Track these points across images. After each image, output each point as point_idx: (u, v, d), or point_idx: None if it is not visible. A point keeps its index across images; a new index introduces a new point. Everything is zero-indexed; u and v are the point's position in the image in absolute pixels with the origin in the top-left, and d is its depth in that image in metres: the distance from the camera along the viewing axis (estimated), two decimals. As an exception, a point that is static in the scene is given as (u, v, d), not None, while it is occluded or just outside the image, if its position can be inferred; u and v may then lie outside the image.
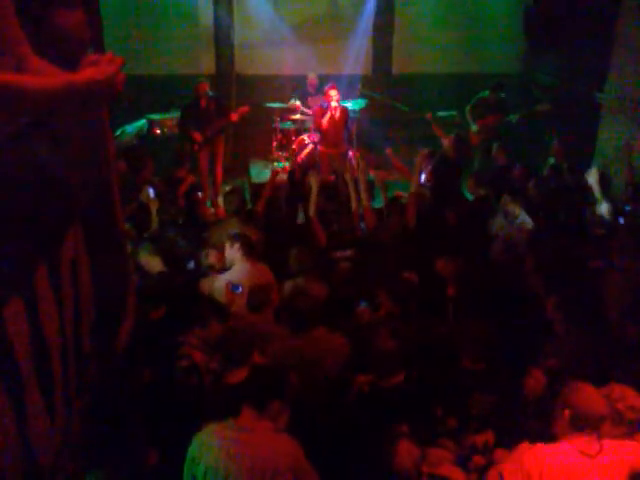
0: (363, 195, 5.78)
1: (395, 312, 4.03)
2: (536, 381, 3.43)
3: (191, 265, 5.27)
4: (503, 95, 8.35)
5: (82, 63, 2.15)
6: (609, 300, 4.25)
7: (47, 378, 2.25)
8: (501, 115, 8.25)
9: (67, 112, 2.38)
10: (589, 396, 2.78)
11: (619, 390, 2.94)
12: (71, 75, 2.07)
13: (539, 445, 2.74)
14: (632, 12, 7.22)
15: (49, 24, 2.57)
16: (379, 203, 6.31)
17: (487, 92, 8.34)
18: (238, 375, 3.29)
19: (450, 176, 6.65)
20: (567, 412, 2.75)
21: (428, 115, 8.04)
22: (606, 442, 2.71)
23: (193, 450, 2.79)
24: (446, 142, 7.36)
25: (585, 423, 2.70)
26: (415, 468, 2.91)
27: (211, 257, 4.98)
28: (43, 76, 2.09)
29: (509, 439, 2.93)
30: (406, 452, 2.89)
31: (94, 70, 2.09)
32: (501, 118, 8.24)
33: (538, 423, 3.05)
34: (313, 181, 5.78)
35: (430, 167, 6.80)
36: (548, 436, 2.87)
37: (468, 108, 8.43)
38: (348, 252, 5.25)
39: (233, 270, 4.75)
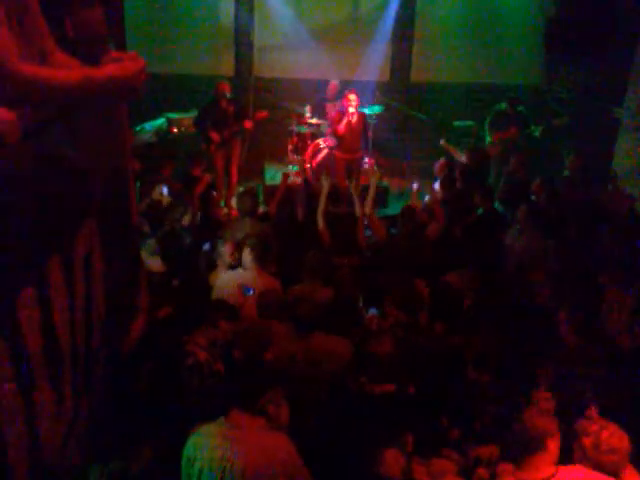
0: (369, 203, 5.77)
1: (402, 321, 4.01)
2: (546, 401, 3.39)
3: (206, 247, 5.28)
4: (521, 108, 8.32)
5: (104, 59, 2.18)
6: (607, 315, 4.23)
7: (57, 370, 2.27)
8: (520, 128, 8.20)
9: (87, 106, 2.41)
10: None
11: (595, 429, 2.82)
12: (92, 69, 2.10)
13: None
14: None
15: (71, 20, 2.61)
16: (394, 210, 6.29)
17: (504, 105, 8.31)
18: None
19: (466, 188, 6.62)
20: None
21: (442, 142, 7.99)
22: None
23: (188, 450, 2.80)
24: (462, 158, 7.40)
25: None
26: (402, 476, 2.89)
27: (226, 247, 4.99)
28: (65, 69, 2.12)
29: (514, 452, 2.91)
30: (393, 460, 2.87)
31: (116, 66, 2.12)
32: (520, 131, 8.19)
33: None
34: (324, 185, 5.78)
35: (446, 178, 6.78)
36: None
37: (488, 121, 8.37)
38: (352, 259, 5.25)
39: (241, 273, 4.77)
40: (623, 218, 6.10)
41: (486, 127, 8.37)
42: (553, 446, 2.75)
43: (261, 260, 4.71)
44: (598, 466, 2.74)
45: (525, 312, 4.27)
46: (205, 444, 2.75)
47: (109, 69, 2.10)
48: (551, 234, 5.55)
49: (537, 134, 8.22)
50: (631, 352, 3.87)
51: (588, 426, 2.84)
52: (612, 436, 2.76)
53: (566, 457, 2.86)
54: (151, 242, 5.14)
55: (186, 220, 5.75)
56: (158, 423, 3.11)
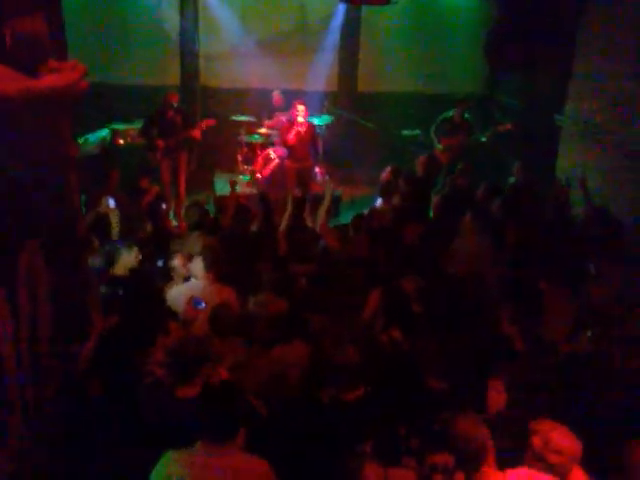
0: (322, 213, 5.79)
1: (360, 329, 4.01)
2: (497, 393, 3.45)
3: (160, 264, 5.19)
4: (467, 116, 8.52)
5: (44, 69, 2.10)
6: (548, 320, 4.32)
7: (2, 395, 2.16)
8: (466, 135, 8.40)
9: (27, 118, 2.32)
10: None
11: (545, 429, 2.86)
12: (31, 81, 2.02)
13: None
14: (590, 37, 7.46)
15: (9, 30, 2.51)
16: (345, 219, 6.33)
17: (452, 112, 8.49)
18: (189, 391, 3.20)
19: (417, 195, 6.72)
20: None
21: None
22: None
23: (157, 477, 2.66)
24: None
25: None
26: None
27: (177, 260, 4.91)
28: (2, 81, 2.03)
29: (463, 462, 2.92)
30: (374, 475, 2.85)
31: (56, 77, 2.05)
32: (466, 138, 8.39)
33: (502, 440, 3.06)
34: (290, 199, 5.80)
35: (384, 186, 6.88)
36: (512, 453, 2.89)
37: (433, 127, 8.57)
38: (308, 267, 5.24)
39: (193, 284, 4.69)
40: (565, 223, 6.29)
41: (432, 134, 8.55)
42: (491, 453, 2.77)
43: (213, 269, 4.64)
44: (545, 466, 2.77)
45: (475, 317, 4.32)
46: (174, 475, 2.64)
47: (48, 79, 2.03)
48: (496, 240, 5.67)
49: (484, 140, 8.42)
50: (569, 358, 3.93)
51: (538, 425, 2.87)
52: (561, 437, 2.79)
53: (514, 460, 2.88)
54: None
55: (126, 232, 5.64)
56: (117, 450, 2.97)
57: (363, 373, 3.34)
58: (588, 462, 2.86)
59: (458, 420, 2.78)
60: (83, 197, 5.85)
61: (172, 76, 9.79)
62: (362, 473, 2.83)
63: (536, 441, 2.83)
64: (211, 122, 8.07)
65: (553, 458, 2.75)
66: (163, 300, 4.34)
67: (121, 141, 8.69)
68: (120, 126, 8.78)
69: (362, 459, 2.88)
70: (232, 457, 2.70)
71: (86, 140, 8.27)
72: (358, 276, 4.79)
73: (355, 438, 3.04)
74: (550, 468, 2.76)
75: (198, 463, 2.65)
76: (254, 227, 5.90)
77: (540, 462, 2.78)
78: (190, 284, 4.73)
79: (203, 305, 4.29)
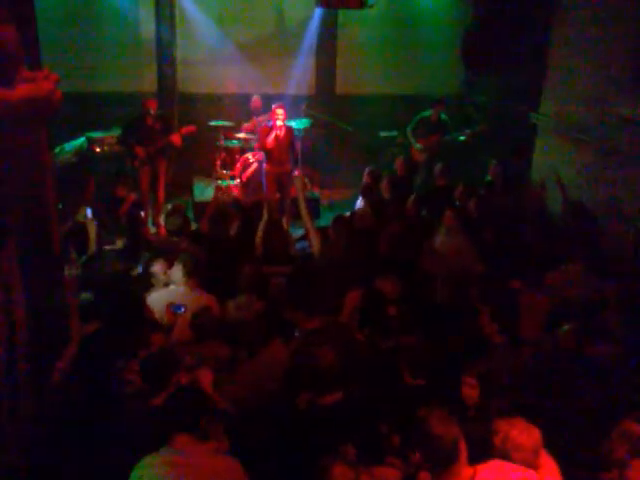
0: (304, 215, 5.81)
1: (336, 330, 4.03)
2: (470, 387, 3.50)
3: (139, 270, 5.16)
4: (444, 116, 8.61)
5: (17, 79, 2.09)
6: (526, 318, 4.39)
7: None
8: (442, 135, 8.49)
9: (1, 129, 2.30)
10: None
11: (505, 428, 2.89)
12: (4, 91, 2.01)
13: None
14: (563, 34, 7.58)
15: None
16: (325, 221, 6.35)
17: (428, 112, 8.58)
18: (159, 399, 3.20)
19: (398, 195, 6.78)
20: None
21: None
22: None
23: None
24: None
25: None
26: None
27: (157, 266, 4.89)
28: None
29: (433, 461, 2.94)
30: (341, 475, 2.86)
31: (30, 87, 2.04)
32: (442, 138, 8.48)
33: (480, 432, 3.10)
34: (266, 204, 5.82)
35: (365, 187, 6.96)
36: (490, 445, 2.92)
37: (410, 128, 8.65)
38: (284, 268, 5.27)
39: (173, 290, 4.68)
40: (539, 220, 6.39)
41: (408, 134, 8.63)
42: (463, 448, 2.77)
43: (192, 275, 4.64)
44: (512, 462, 2.80)
45: (454, 314, 4.37)
46: (151, 476, 2.64)
47: (22, 90, 2.02)
48: (474, 237, 5.74)
49: (462, 139, 8.52)
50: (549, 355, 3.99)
51: (499, 425, 2.92)
52: (520, 433, 2.84)
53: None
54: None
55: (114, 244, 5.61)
56: (94, 456, 2.97)
57: (341, 375, 3.36)
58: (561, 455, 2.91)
59: (429, 419, 2.80)
60: (60, 206, 5.81)
61: (149, 82, 9.74)
62: (331, 473, 2.84)
63: (497, 441, 2.88)
64: (191, 129, 8.05)
65: (516, 455, 2.81)
66: (142, 307, 4.32)
67: (98, 149, 8.63)
68: (96, 134, 8.72)
69: (333, 459, 2.89)
70: (208, 458, 2.72)
71: (62, 149, 8.20)
72: (336, 277, 4.82)
73: (335, 441, 3.05)
74: (517, 464, 2.80)
75: (174, 463, 2.66)
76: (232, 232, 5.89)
77: (506, 459, 2.82)
78: (169, 290, 4.72)
79: (182, 310, 4.29)
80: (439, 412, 2.84)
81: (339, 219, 6.01)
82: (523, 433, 2.84)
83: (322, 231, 6.13)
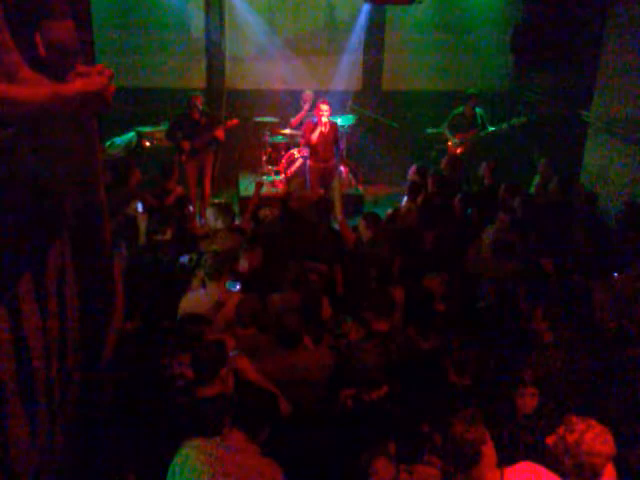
0: (338, 210, 5.80)
1: (380, 328, 4.01)
2: (531, 397, 3.38)
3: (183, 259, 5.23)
4: (479, 110, 8.47)
5: (71, 74, 2.14)
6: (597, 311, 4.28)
7: (30, 393, 2.21)
8: (478, 129, 8.37)
9: (55, 123, 2.37)
10: None
11: (581, 427, 2.69)
12: (60, 86, 2.06)
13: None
14: (617, 33, 7.34)
15: (39, 34, 2.57)
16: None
17: (462, 108, 8.46)
18: (208, 391, 3.24)
19: (445, 194, 6.69)
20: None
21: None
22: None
23: (175, 463, 2.72)
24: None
25: None
26: None
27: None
28: (32, 86, 2.08)
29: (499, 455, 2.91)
30: (383, 469, 2.85)
31: (83, 81, 2.08)
32: (478, 132, 8.36)
33: (530, 437, 3.03)
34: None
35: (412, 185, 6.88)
36: (540, 450, 2.85)
37: (445, 124, 8.55)
38: (321, 266, 5.26)
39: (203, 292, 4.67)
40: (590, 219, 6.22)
41: (444, 130, 8.52)
42: (489, 451, 2.70)
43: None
44: (576, 465, 2.64)
45: (501, 315, 4.30)
46: (195, 459, 2.67)
47: (77, 84, 2.06)
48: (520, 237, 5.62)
49: (492, 129, 8.36)
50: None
51: (574, 423, 2.71)
52: (596, 438, 2.65)
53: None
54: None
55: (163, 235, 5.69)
56: (140, 447, 3.03)
57: (386, 372, 3.34)
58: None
59: (453, 420, 2.74)
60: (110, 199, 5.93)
61: (198, 79, 9.88)
62: (375, 472, 2.82)
63: (570, 438, 2.66)
64: (235, 122, 8.13)
65: (586, 459, 2.62)
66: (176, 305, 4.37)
67: (147, 143, 8.81)
68: (146, 129, 8.90)
69: (375, 453, 2.88)
70: (251, 458, 2.72)
71: (112, 143, 8.39)
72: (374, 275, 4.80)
73: (377, 438, 3.04)
74: (581, 467, 2.64)
75: (220, 457, 2.68)
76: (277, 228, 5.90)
77: (571, 459, 2.66)
78: (200, 293, 4.69)
79: (237, 287, 4.34)
80: (466, 413, 2.78)
81: (371, 214, 5.89)
82: (599, 438, 2.65)
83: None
